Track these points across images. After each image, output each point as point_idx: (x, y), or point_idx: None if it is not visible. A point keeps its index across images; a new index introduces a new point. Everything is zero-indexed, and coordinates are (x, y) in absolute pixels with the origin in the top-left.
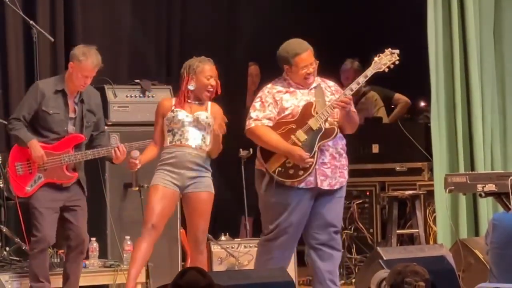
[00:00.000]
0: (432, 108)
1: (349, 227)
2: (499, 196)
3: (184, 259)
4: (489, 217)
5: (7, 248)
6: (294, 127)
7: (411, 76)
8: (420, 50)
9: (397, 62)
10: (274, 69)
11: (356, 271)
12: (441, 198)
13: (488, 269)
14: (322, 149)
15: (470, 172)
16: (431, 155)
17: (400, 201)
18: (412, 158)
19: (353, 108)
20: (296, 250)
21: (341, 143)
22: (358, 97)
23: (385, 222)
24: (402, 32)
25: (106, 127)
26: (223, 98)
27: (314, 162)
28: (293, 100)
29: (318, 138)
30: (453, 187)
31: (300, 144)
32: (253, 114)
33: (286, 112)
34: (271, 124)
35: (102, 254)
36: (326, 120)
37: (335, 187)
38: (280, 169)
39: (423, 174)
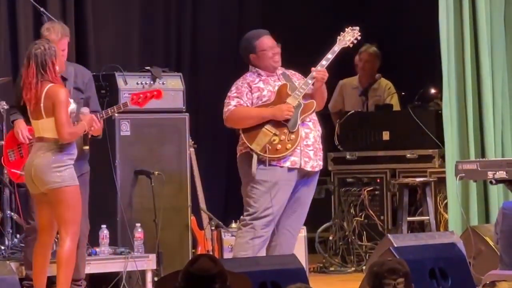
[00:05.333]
0: (443, 94)
1: (360, 214)
2: (510, 183)
3: (194, 246)
4: (500, 204)
5: (18, 236)
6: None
7: (422, 63)
8: (432, 37)
9: (359, 37)
10: (287, 58)
11: (367, 258)
12: (453, 185)
13: (499, 256)
14: (306, 132)
15: (481, 159)
16: (441, 142)
17: (411, 188)
18: (422, 145)
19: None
20: (307, 237)
21: (319, 127)
22: (370, 83)
23: (396, 209)
24: (413, 18)
25: (116, 115)
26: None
27: (299, 137)
28: (268, 86)
29: (299, 113)
30: (463, 174)
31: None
32: (232, 102)
33: (264, 99)
34: None
35: (113, 241)
36: (303, 96)
37: (316, 169)
38: (268, 146)
39: (434, 161)
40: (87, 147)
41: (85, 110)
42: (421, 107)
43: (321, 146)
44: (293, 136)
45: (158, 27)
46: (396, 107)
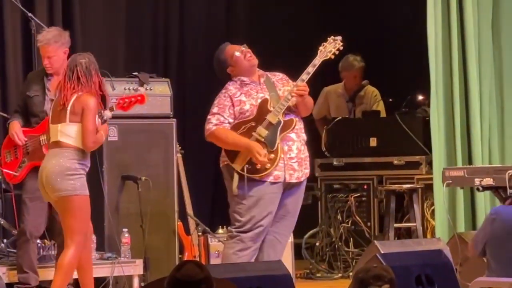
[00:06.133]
0: (431, 101)
1: (347, 220)
2: (497, 190)
3: (181, 252)
4: (487, 211)
5: (5, 240)
6: (253, 124)
7: (410, 70)
8: (420, 44)
9: (341, 48)
10: (274, 65)
11: (353, 264)
12: (440, 191)
13: (486, 263)
14: (289, 145)
15: (468, 166)
16: (429, 149)
17: (398, 195)
18: (410, 151)
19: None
20: (293, 243)
21: (303, 135)
22: (357, 91)
23: (383, 216)
24: (401, 25)
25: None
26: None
27: (279, 155)
28: (250, 100)
29: (278, 131)
30: (450, 181)
31: (262, 139)
32: (213, 119)
33: (247, 114)
34: (229, 127)
35: (100, 246)
36: (283, 113)
37: (302, 179)
38: (247, 166)
39: (421, 167)
40: None
41: (108, 113)
42: (409, 114)
43: (307, 154)
44: (272, 155)
45: (145, 32)
46: (383, 114)
